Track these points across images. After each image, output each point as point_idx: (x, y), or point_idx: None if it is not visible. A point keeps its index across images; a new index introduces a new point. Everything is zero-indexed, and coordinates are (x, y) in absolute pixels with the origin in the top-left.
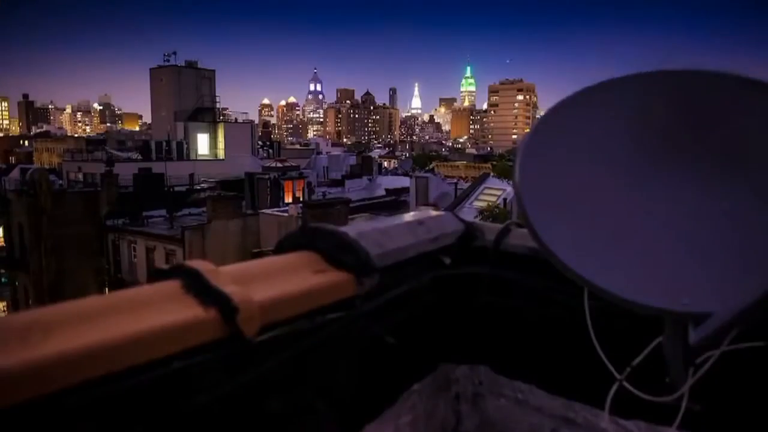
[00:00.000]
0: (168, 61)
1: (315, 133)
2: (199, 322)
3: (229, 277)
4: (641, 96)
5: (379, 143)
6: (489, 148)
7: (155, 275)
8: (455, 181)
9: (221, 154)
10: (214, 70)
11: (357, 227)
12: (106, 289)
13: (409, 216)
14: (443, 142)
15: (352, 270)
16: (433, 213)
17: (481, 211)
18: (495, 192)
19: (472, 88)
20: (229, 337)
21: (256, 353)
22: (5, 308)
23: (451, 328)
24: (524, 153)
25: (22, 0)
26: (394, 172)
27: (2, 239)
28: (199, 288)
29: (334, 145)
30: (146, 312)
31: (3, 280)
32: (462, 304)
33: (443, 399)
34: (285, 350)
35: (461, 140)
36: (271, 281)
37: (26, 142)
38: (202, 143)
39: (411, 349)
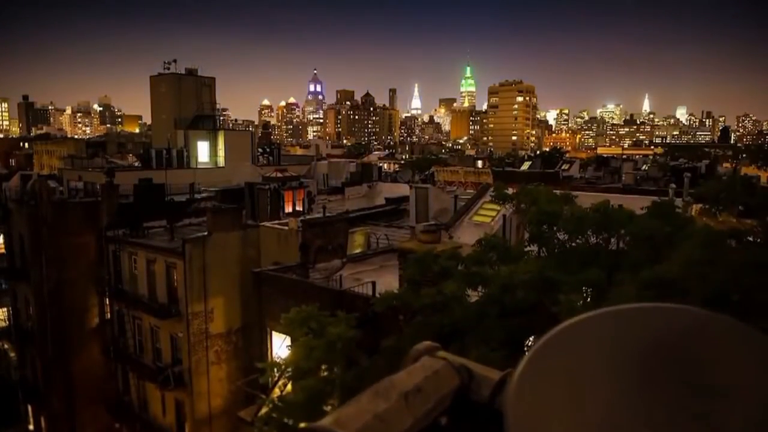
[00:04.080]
0: (168, 68)
1: (315, 134)
2: None
3: None
4: (629, 333)
5: (378, 144)
6: (489, 150)
7: None
8: (454, 188)
9: (221, 161)
10: (214, 78)
11: (356, 418)
12: (107, 299)
13: (406, 379)
14: (443, 143)
15: None
16: (431, 366)
17: (479, 240)
18: (494, 206)
19: (472, 89)
20: None
21: None
22: (6, 317)
23: None
24: (513, 401)
25: (22, 1)
26: (394, 177)
27: (2, 247)
28: None
29: (333, 146)
30: None
31: (3, 286)
32: None
33: None
34: None
35: (461, 141)
36: None
37: (26, 145)
38: (202, 151)
39: None
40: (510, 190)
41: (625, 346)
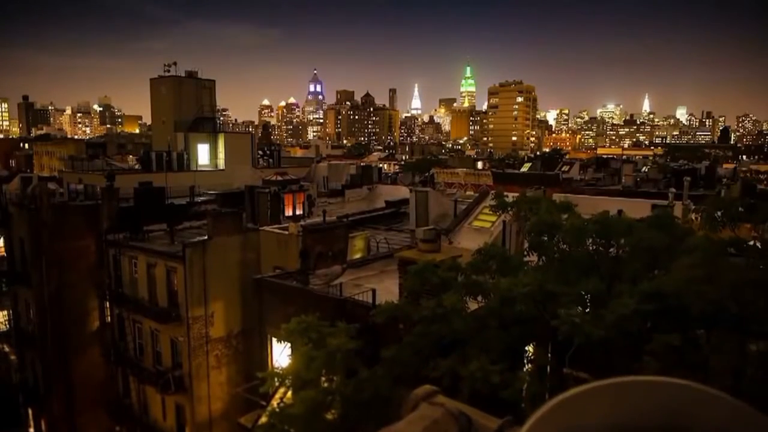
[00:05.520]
0: (168, 71)
1: (315, 134)
2: None
3: None
4: (628, 407)
5: (378, 144)
6: (489, 151)
7: None
8: (454, 190)
9: (221, 164)
10: (214, 80)
11: None
12: (107, 302)
13: (406, 430)
14: (443, 143)
15: None
16: (430, 415)
17: (479, 249)
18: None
19: (472, 89)
20: None
21: None
22: (6, 320)
23: None
24: None
25: (22, 2)
26: (394, 179)
27: (2, 249)
28: None
29: (333, 146)
30: None
31: (3, 288)
32: None
33: None
34: None
35: (461, 141)
36: None
37: (26, 145)
38: (203, 153)
39: None
40: (510, 196)
41: (622, 421)
